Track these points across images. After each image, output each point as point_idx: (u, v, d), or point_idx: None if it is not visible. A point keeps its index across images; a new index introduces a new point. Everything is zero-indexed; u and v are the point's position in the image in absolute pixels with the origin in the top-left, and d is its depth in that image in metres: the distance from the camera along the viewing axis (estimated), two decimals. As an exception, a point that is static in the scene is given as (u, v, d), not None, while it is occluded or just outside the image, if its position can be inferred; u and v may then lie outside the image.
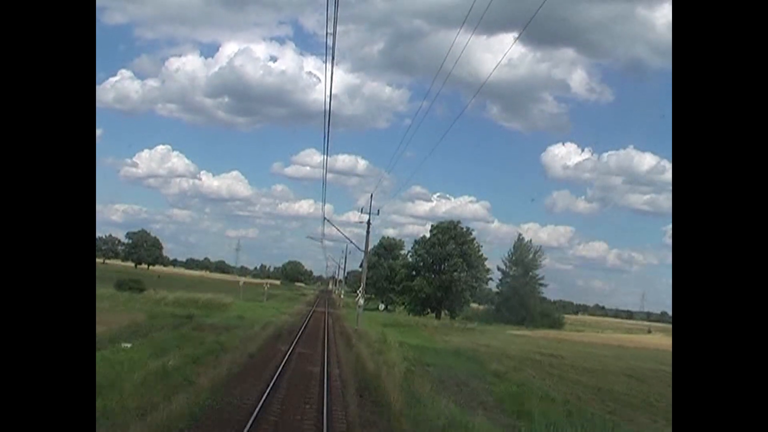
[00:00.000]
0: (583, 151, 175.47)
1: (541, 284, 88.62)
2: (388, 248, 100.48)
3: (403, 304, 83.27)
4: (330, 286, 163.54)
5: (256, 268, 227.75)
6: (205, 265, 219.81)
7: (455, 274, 77.14)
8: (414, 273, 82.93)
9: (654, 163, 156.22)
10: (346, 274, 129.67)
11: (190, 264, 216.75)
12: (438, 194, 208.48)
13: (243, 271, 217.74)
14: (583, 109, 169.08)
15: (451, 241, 77.77)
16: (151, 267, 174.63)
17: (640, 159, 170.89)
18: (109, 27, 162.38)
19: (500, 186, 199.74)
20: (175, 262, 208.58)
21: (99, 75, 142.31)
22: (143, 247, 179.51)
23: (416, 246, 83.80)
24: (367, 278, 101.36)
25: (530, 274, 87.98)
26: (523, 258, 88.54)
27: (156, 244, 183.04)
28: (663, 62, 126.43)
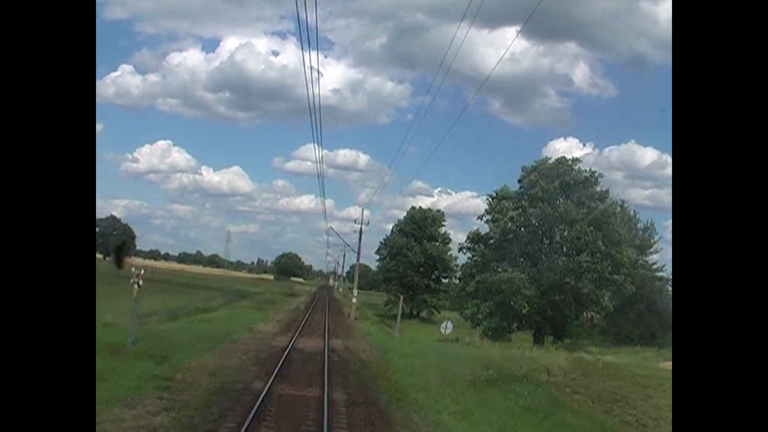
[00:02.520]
0: (584, 145, 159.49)
1: (663, 278, 51.66)
2: (420, 224, 63.46)
3: (478, 315, 39.04)
4: (331, 282, 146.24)
5: (252, 262, 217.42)
6: (197, 258, 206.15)
7: (584, 258, 36.66)
8: (482, 259, 40.76)
9: (655, 158, 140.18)
10: (348, 269, 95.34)
11: (183, 258, 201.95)
12: (439, 189, 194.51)
13: (239, 265, 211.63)
14: (585, 104, 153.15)
15: (559, 194, 38.72)
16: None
17: (641, 154, 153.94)
18: (109, 22, 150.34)
19: (502, 181, 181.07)
20: (167, 256, 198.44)
21: (99, 70, 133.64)
22: (112, 236, 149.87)
23: (494, 205, 41.24)
24: (389, 269, 64.07)
25: (640, 262, 50.78)
26: (632, 238, 51.40)
27: (127, 233, 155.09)
28: (665, 57, 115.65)
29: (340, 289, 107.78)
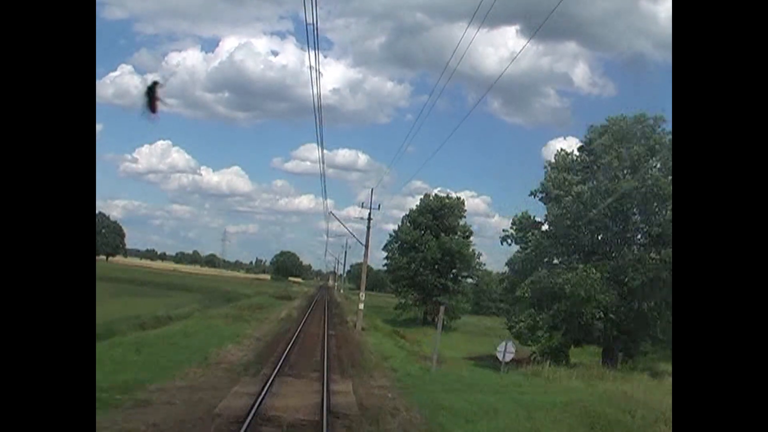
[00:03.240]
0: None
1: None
2: (437, 214, 53.35)
3: (539, 331, 27.63)
4: (330, 282, 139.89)
5: (251, 262, 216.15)
6: (194, 258, 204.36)
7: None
8: (537, 251, 29.57)
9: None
10: (348, 268, 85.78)
11: (180, 258, 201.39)
12: (438, 189, 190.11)
13: (237, 265, 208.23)
14: (585, 103, 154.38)
15: (644, 163, 26.66)
16: (111, 258, 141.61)
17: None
18: (109, 22, 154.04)
19: (501, 181, 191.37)
20: (163, 256, 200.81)
21: (99, 70, 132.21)
22: (100, 234, 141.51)
23: (552, 177, 29.83)
24: (399, 266, 52.99)
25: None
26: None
27: (116, 231, 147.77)
28: (665, 56, 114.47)
29: (341, 290, 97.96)
